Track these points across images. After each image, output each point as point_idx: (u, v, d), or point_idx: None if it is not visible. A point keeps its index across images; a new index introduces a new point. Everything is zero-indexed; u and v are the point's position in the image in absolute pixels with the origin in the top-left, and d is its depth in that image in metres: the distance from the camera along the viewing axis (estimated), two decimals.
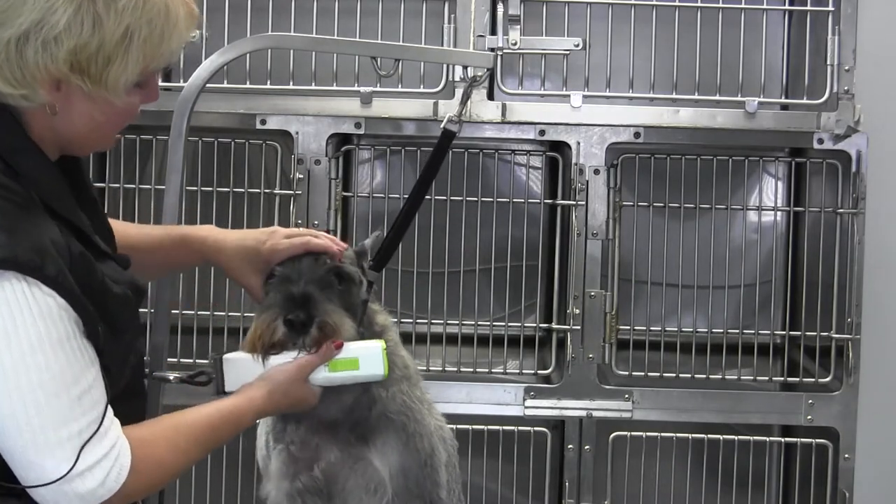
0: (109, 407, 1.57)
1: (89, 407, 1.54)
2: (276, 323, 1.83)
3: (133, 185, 2.88)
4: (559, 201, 2.92)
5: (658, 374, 2.87)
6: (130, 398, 1.70)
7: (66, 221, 1.60)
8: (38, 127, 1.61)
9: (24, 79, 1.56)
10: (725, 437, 2.90)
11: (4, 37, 1.54)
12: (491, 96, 2.79)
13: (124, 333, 1.65)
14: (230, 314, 2.83)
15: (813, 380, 2.86)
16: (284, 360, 1.84)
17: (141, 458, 1.58)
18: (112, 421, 1.57)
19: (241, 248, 1.93)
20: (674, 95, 2.81)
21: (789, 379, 2.93)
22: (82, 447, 1.52)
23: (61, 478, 1.51)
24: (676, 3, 2.82)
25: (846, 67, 2.75)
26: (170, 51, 1.63)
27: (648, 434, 2.88)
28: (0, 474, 1.55)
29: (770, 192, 3.15)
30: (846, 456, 2.82)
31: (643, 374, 2.87)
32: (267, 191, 2.83)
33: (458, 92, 2.65)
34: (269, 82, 2.79)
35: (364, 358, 1.86)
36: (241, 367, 1.84)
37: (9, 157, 1.58)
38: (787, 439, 2.98)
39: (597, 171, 2.80)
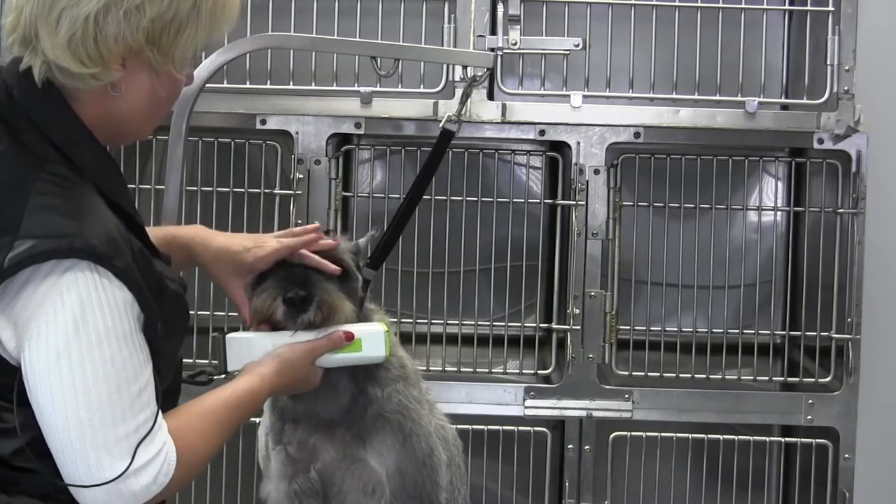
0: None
1: (146, 404, 1.54)
2: (276, 302, 1.83)
3: (133, 185, 2.87)
4: (559, 201, 2.92)
5: (658, 374, 2.86)
6: (167, 396, 1.70)
7: (123, 214, 1.60)
8: (93, 111, 1.61)
9: (98, 55, 1.55)
10: (725, 437, 2.90)
11: (83, 13, 1.54)
12: (491, 96, 2.79)
13: (176, 333, 1.66)
14: (230, 314, 2.83)
15: (813, 380, 2.85)
16: (283, 339, 1.84)
17: (180, 449, 1.58)
18: (162, 419, 1.57)
19: (224, 251, 1.92)
20: (674, 95, 2.81)
21: (789, 379, 2.93)
22: (138, 445, 1.52)
23: (117, 477, 1.50)
24: (676, 3, 2.82)
25: (846, 67, 2.75)
26: (227, 25, 1.65)
27: (648, 434, 2.88)
28: (47, 472, 1.54)
29: (770, 192, 3.15)
30: (846, 456, 2.82)
31: (643, 374, 2.87)
32: (267, 191, 2.83)
33: (458, 92, 2.65)
34: (269, 82, 2.79)
35: (367, 340, 1.88)
36: (244, 346, 1.85)
37: (67, 149, 1.57)
38: (787, 439, 2.98)
39: (597, 171, 2.80)
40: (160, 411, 1.57)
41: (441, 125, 2.47)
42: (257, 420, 2.06)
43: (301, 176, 2.77)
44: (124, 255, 1.53)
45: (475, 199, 2.91)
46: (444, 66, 2.72)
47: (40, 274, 1.49)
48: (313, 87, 2.80)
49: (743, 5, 2.82)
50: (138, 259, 1.57)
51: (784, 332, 2.97)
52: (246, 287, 1.90)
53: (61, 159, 1.56)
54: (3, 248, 1.47)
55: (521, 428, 2.85)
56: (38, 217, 1.49)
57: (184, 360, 2.70)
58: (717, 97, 2.81)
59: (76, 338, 1.49)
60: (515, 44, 2.70)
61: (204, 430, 1.64)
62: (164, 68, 1.60)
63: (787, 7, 3.01)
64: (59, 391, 1.49)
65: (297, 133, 2.78)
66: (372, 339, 1.89)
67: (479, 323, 2.93)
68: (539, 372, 2.93)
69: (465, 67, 2.64)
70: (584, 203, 2.80)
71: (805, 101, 2.82)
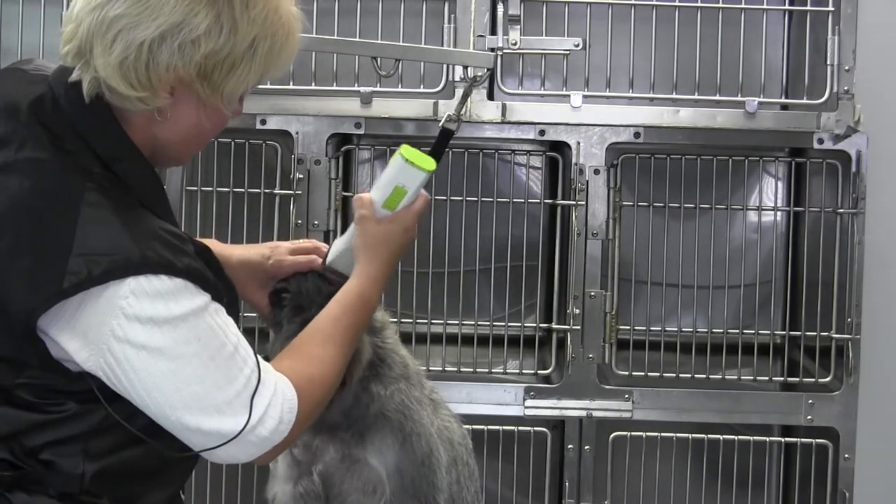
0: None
1: (245, 358, 1.57)
2: None
3: None
4: (559, 201, 2.92)
5: (658, 374, 2.86)
6: None
7: None
8: (138, 132, 1.61)
9: (148, 81, 1.56)
10: (725, 437, 2.90)
11: (138, 38, 1.54)
12: (491, 96, 2.79)
13: (236, 320, 1.67)
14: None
15: (813, 380, 2.85)
16: (349, 232, 1.87)
17: (297, 383, 1.61)
18: (265, 363, 1.60)
19: (245, 264, 1.95)
20: (674, 95, 2.81)
21: (789, 379, 2.93)
22: (252, 398, 1.55)
23: (240, 432, 1.54)
24: (676, 3, 2.82)
25: (846, 67, 2.75)
26: (281, 67, 1.66)
27: (648, 434, 2.88)
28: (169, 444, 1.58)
29: (770, 192, 3.15)
30: (846, 456, 2.82)
31: (643, 374, 2.87)
32: (267, 191, 2.83)
33: (458, 92, 2.65)
34: (268, 82, 2.78)
35: (402, 177, 1.82)
36: (344, 259, 1.87)
37: (113, 164, 1.58)
38: (787, 439, 2.98)
39: (597, 171, 2.80)
40: (258, 357, 1.59)
41: (440, 124, 2.47)
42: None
43: (301, 176, 2.77)
44: (183, 255, 1.54)
45: (475, 199, 2.91)
46: (444, 66, 2.73)
47: (98, 287, 1.49)
48: (313, 87, 2.80)
49: (743, 5, 2.81)
50: (200, 250, 1.59)
51: (784, 332, 2.97)
52: (270, 299, 1.95)
53: (106, 173, 1.56)
54: (58, 267, 1.48)
55: (521, 428, 2.85)
56: (91, 232, 1.50)
57: None
58: (717, 97, 2.80)
59: (154, 328, 1.50)
60: (515, 44, 2.70)
61: (316, 355, 1.68)
62: (211, 101, 1.61)
63: (787, 7, 3.01)
64: (153, 382, 1.51)
65: (297, 133, 2.78)
66: (405, 173, 1.81)
67: (479, 323, 2.93)
68: (539, 372, 2.93)
69: (465, 67, 2.64)
70: (584, 203, 2.80)
71: (805, 101, 2.82)
